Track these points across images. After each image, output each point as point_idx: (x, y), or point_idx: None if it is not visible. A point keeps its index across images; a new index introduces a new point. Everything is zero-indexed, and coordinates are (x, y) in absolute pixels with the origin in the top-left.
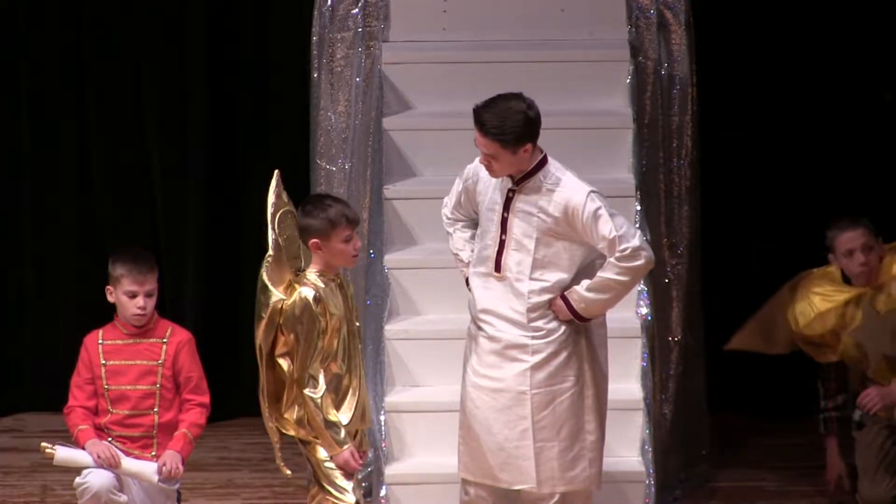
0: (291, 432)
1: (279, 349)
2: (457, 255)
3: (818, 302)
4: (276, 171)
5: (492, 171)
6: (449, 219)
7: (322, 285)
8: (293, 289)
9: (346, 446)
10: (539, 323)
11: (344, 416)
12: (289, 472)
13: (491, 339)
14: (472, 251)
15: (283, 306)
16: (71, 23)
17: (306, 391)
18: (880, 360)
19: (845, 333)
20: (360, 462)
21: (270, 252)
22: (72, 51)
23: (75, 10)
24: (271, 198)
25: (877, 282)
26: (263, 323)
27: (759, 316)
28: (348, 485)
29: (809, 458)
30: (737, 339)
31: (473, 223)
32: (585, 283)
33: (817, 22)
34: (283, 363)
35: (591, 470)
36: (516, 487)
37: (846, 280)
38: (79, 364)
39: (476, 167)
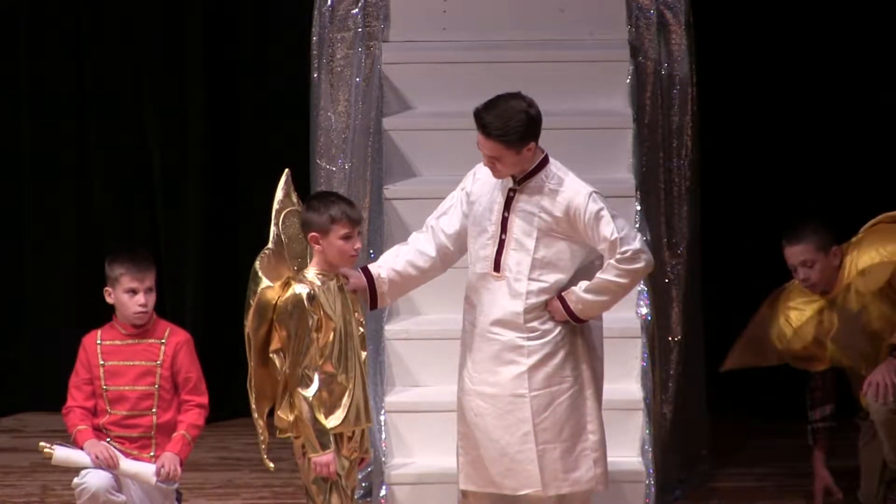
0: (286, 431)
1: (273, 345)
2: (385, 255)
3: (793, 317)
4: (286, 170)
5: (496, 173)
6: (425, 226)
7: (319, 284)
8: (290, 286)
9: (328, 450)
10: (534, 324)
11: (336, 416)
12: (272, 465)
13: (486, 341)
14: (390, 271)
15: (278, 302)
16: (71, 22)
17: (299, 389)
18: (859, 361)
19: (829, 340)
20: (335, 470)
21: (270, 245)
22: (72, 51)
23: (75, 10)
24: (279, 195)
25: (841, 285)
26: (252, 311)
27: (746, 335)
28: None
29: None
30: (730, 359)
31: (432, 249)
32: (583, 284)
33: (817, 22)
34: (277, 360)
35: (596, 470)
36: (522, 492)
37: None
38: (77, 364)
39: (473, 170)
